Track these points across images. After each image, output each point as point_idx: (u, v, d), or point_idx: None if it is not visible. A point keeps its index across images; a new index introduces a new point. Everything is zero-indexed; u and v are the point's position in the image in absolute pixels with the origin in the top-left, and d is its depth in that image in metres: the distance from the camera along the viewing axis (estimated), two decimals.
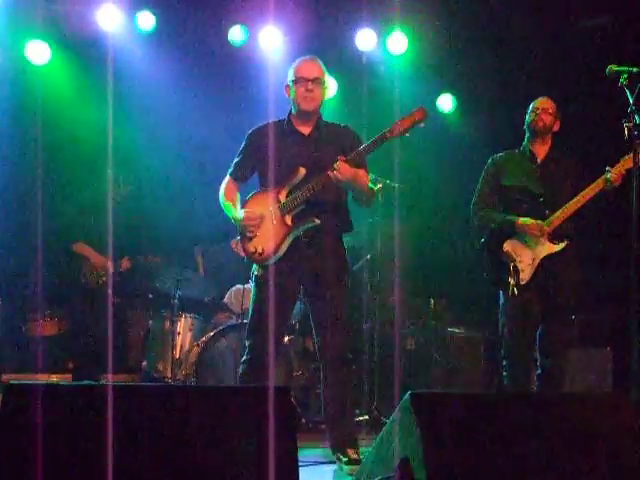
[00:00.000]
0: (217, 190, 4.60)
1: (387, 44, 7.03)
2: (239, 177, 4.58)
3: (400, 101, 6.71)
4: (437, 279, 7.17)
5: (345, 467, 4.30)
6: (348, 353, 4.44)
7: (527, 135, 4.95)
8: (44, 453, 2.44)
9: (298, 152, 4.38)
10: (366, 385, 5.98)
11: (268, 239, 4.32)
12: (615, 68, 4.04)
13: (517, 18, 6.73)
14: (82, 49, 6.80)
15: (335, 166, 4.16)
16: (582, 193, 4.66)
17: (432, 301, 6.79)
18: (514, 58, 6.90)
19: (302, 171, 4.29)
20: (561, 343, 4.82)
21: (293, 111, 4.49)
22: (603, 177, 4.58)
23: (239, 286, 6.33)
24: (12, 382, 2.73)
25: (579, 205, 4.67)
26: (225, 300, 6.45)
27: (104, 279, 6.20)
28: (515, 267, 4.74)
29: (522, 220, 4.73)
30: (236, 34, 6.91)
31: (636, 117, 3.86)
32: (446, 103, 7.43)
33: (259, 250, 4.34)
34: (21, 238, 6.02)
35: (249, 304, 4.55)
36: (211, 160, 6.82)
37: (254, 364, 4.36)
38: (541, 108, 4.85)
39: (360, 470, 3.19)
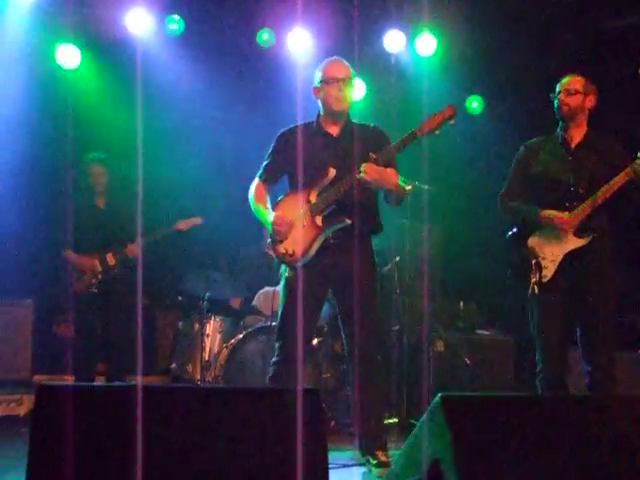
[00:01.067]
0: (245, 190, 4.61)
1: (416, 45, 7.02)
2: (268, 179, 4.57)
3: (429, 102, 6.71)
4: (467, 281, 7.14)
5: (374, 470, 4.28)
6: (377, 354, 4.43)
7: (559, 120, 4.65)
8: (75, 453, 2.45)
9: (328, 153, 4.38)
10: (396, 387, 5.95)
11: (298, 241, 4.32)
12: None
13: (546, 18, 6.68)
14: (112, 53, 6.84)
15: (362, 168, 4.14)
16: (611, 182, 4.34)
17: (462, 303, 6.76)
18: (543, 59, 6.84)
19: (332, 172, 4.28)
20: (603, 346, 4.43)
21: (322, 112, 4.49)
22: (632, 165, 4.28)
23: (268, 288, 6.33)
24: (43, 383, 2.75)
25: (607, 195, 4.35)
26: (254, 302, 6.45)
27: (94, 281, 6.05)
28: (538, 264, 4.48)
29: (545, 212, 4.48)
30: (266, 37, 6.92)
31: None
32: (474, 105, 7.39)
33: (289, 252, 4.34)
34: (52, 239, 6.06)
35: (278, 306, 4.55)
36: (241, 162, 6.84)
37: (283, 366, 4.37)
38: (563, 90, 4.54)
39: (390, 473, 3.17)
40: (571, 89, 4.53)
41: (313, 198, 4.33)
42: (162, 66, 6.86)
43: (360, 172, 4.14)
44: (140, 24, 6.63)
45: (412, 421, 5.56)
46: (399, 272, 6.21)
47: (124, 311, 5.94)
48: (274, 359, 4.45)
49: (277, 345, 4.46)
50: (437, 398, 2.73)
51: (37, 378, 6.26)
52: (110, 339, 6.02)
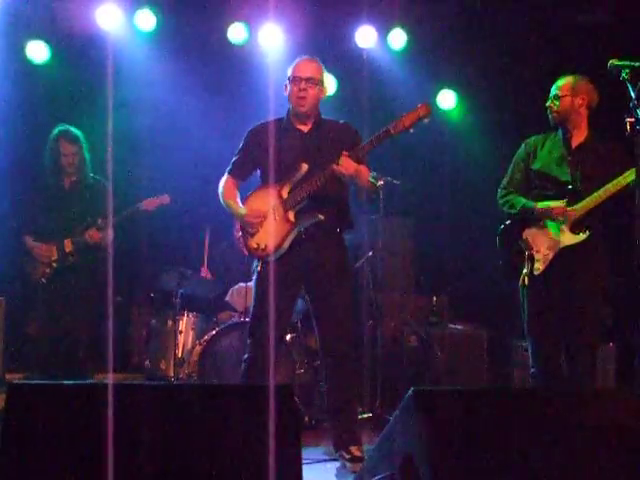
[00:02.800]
0: (217, 186, 4.60)
1: (387, 41, 7.02)
2: (238, 175, 4.58)
3: (401, 97, 6.73)
4: (439, 276, 7.16)
5: (348, 464, 4.30)
6: (350, 350, 4.43)
7: None
8: (46, 452, 2.44)
9: (299, 149, 4.39)
10: (369, 383, 5.96)
11: (270, 235, 4.33)
12: (616, 63, 3.98)
13: (517, 13, 6.71)
14: (81, 48, 6.79)
15: (340, 160, 4.15)
16: (612, 182, 4.34)
17: (434, 298, 6.78)
18: (514, 53, 6.88)
19: (304, 167, 4.30)
20: (584, 345, 4.47)
21: (290, 108, 4.50)
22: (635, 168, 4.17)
23: (242, 284, 6.31)
24: (15, 382, 2.73)
25: (607, 195, 4.36)
26: (227, 298, 6.43)
27: (48, 270, 5.63)
28: (531, 256, 4.50)
29: (542, 204, 4.51)
30: (237, 32, 6.90)
31: (638, 112, 3.81)
32: (447, 99, 7.42)
33: (261, 246, 4.35)
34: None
35: (252, 299, 4.53)
36: (211, 158, 6.82)
37: (256, 362, 4.36)
38: (551, 96, 4.57)
39: (363, 468, 3.18)
40: (558, 93, 4.54)
41: (285, 193, 4.34)
42: (133, 62, 6.82)
43: (338, 164, 4.14)
44: (110, 19, 6.58)
45: (386, 416, 5.57)
46: (371, 267, 6.22)
47: (80, 305, 5.64)
48: (246, 355, 4.44)
49: (249, 341, 4.45)
50: (409, 392, 2.73)
51: (9, 377, 6.18)
52: (64, 335, 5.62)
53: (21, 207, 5.84)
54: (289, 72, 4.45)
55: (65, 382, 2.64)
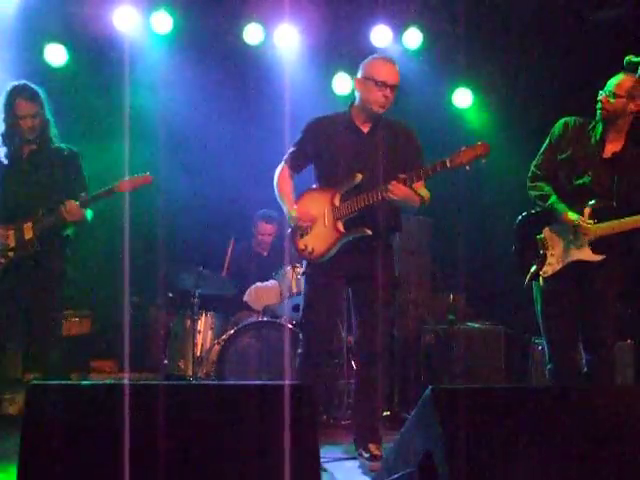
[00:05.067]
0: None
1: (403, 40, 6.99)
2: (294, 167, 4.54)
3: (417, 96, 6.71)
4: (456, 274, 7.13)
5: (367, 463, 4.30)
6: (384, 351, 4.49)
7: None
8: (65, 451, 2.44)
9: (356, 150, 4.35)
10: (387, 381, 5.94)
11: (319, 240, 4.37)
12: (634, 59, 3.94)
13: (533, 10, 6.66)
14: (99, 51, 6.80)
15: (389, 187, 4.13)
16: None
17: (451, 295, 6.75)
18: (531, 50, 6.83)
19: (358, 177, 4.27)
20: (600, 337, 4.34)
21: (357, 106, 4.42)
22: None
23: (259, 284, 6.31)
24: (34, 382, 2.73)
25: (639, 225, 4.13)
26: (245, 298, 6.44)
27: (2, 260, 4.65)
28: (544, 256, 4.36)
29: (570, 215, 4.24)
30: (253, 33, 6.89)
31: None
32: (463, 98, 7.38)
33: (309, 249, 4.39)
34: None
35: (301, 300, 4.61)
36: (231, 158, 6.83)
37: (307, 358, 4.46)
38: (608, 91, 4.26)
39: (382, 466, 3.16)
40: (615, 92, 4.24)
41: (337, 201, 4.34)
42: (150, 62, 6.83)
43: (386, 190, 4.13)
44: (127, 22, 6.59)
45: (404, 414, 5.55)
46: None
47: (42, 303, 4.73)
48: (300, 351, 4.53)
49: (301, 337, 4.56)
50: (427, 391, 2.72)
51: (29, 377, 6.19)
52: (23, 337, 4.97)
53: None
54: (368, 72, 4.33)
55: (83, 382, 2.65)
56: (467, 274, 7.05)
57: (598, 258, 4.27)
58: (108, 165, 5.85)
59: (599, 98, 4.30)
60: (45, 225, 4.68)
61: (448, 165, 4.06)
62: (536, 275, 4.39)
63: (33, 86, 4.81)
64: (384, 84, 4.27)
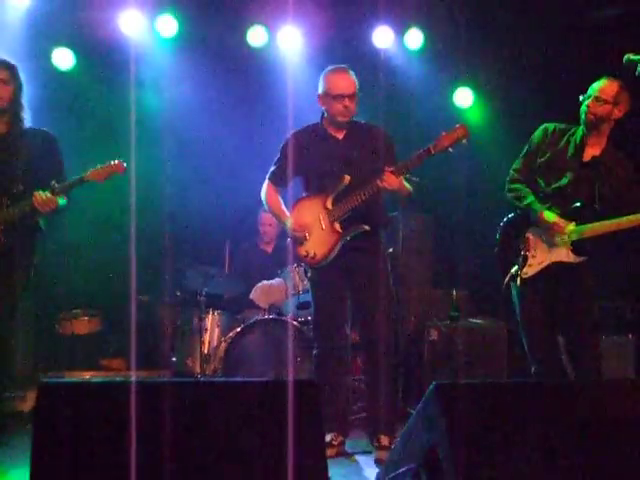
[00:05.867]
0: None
1: (404, 40, 6.99)
2: (279, 183, 4.69)
3: (417, 96, 6.71)
4: (459, 271, 7.13)
5: (374, 452, 4.39)
6: (387, 346, 4.56)
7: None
8: (76, 447, 2.45)
9: (337, 157, 4.51)
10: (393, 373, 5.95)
11: (319, 244, 4.50)
12: (633, 57, 3.92)
13: (532, 10, 6.65)
14: (106, 55, 6.80)
15: (383, 177, 4.27)
16: (630, 217, 4.04)
17: (454, 292, 6.74)
18: (531, 50, 6.82)
19: (347, 179, 4.42)
20: (584, 337, 4.34)
21: (326, 117, 4.58)
22: None
23: (265, 282, 6.32)
24: (45, 380, 2.74)
25: (621, 227, 4.08)
26: (251, 296, 6.44)
27: None
28: (525, 257, 4.31)
29: (546, 214, 4.25)
30: (257, 35, 6.89)
31: None
32: (464, 97, 7.37)
33: (311, 254, 4.51)
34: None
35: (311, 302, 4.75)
36: (235, 160, 6.83)
37: (320, 356, 4.61)
38: (594, 96, 4.22)
39: (387, 460, 3.17)
40: (601, 97, 4.21)
41: (330, 204, 4.48)
42: (155, 65, 6.82)
43: (382, 179, 4.27)
44: (133, 25, 6.59)
45: (407, 409, 5.55)
46: (392, 263, 6.19)
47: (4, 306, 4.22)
48: (314, 351, 4.67)
49: (315, 340, 4.69)
50: (431, 386, 2.73)
51: (40, 375, 6.21)
52: None
53: None
54: (326, 86, 4.50)
55: (93, 380, 2.66)
56: (469, 271, 7.05)
57: (578, 260, 4.25)
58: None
59: (586, 103, 4.26)
60: (11, 216, 4.19)
61: (432, 151, 4.24)
62: (514, 276, 4.35)
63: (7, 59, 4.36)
64: (341, 96, 4.44)
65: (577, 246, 4.24)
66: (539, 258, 4.32)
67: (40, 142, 4.36)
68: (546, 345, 4.43)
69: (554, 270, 4.30)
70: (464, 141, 4.23)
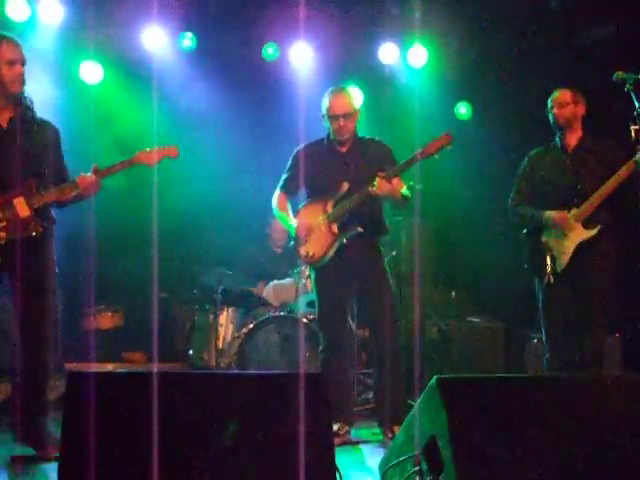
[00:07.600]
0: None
1: (408, 57, 6.99)
2: (289, 191, 4.81)
3: (420, 110, 6.71)
4: (458, 272, 7.13)
5: (389, 442, 4.37)
6: (393, 341, 4.62)
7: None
8: (103, 435, 2.48)
9: (340, 168, 4.63)
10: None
11: (317, 244, 4.60)
12: (622, 75, 4.00)
13: (530, 30, 6.66)
14: (131, 69, 6.81)
15: (375, 183, 4.38)
16: (611, 179, 4.35)
17: (453, 292, 6.75)
18: (527, 68, 6.83)
19: (346, 185, 4.56)
20: (592, 330, 4.51)
21: (330, 134, 4.69)
22: (633, 159, 4.18)
23: (276, 281, 6.36)
24: (73, 370, 2.77)
25: (609, 192, 4.36)
26: (263, 294, 6.47)
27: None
28: (552, 256, 4.50)
29: (547, 214, 4.54)
30: (269, 51, 6.91)
31: None
32: (463, 111, 7.37)
33: (310, 254, 4.60)
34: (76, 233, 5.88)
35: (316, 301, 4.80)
36: (249, 170, 6.86)
37: (327, 351, 4.65)
38: (556, 104, 4.61)
39: (390, 450, 3.17)
40: (562, 102, 4.60)
41: (329, 208, 4.60)
42: (176, 79, 6.84)
43: (373, 186, 4.39)
44: (155, 41, 6.61)
45: (409, 402, 5.55)
46: (395, 265, 6.19)
47: (39, 296, 3.78)
48: (320, 347, 4.72)
49: (321, 336, 4.74)
50: (433, 380, 2.73)
51: (68, 366, 6.21)
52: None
53: None
54: (325, 107, 4.63)
55: (119, 371, 2.68)
56: (469, 272, 7.06)
57: (594, 231, 4.44)
58: (138, 175, 5.89)
59: (553, 113, 4.62)
60: (45, 198, 3.74)
61: (419, 157, 4.41)
62: (552, 275, 4.49)
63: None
64: (335, 116, 4.57)
65: (586, 222, 4.45)
66: (563, 249, 4.51)
67: (49, 131, 4.01)
68: (562, 335, 4.60)
69: (581, 250, 4.47)
70: (448, 147, 4.38)
